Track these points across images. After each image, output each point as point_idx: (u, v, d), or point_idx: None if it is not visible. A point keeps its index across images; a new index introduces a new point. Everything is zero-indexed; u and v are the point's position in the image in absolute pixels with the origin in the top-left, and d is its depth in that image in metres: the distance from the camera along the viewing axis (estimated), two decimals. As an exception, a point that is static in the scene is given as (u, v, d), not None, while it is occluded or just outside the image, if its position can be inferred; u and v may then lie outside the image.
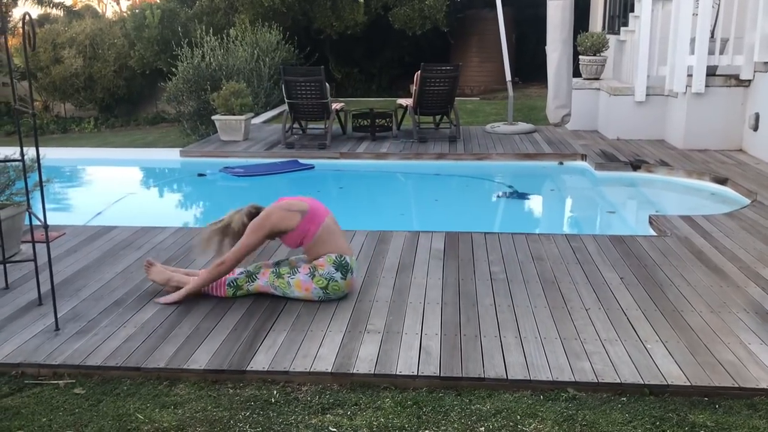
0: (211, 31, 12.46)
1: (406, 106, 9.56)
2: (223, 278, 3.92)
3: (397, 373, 3.11)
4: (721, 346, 3.32)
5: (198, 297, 3.93)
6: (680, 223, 5.38)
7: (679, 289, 4.06)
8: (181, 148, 9.24)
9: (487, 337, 3.44)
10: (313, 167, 8.28)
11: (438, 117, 9.92)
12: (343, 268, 3.86)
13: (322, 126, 9.38)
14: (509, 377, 3.07)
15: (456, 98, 9.44)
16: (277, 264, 4.04)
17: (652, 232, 5.39)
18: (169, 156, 9.35)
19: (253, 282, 3.93)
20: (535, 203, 7.54)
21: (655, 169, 7.49)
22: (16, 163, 4.23)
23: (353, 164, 8.53)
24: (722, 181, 6.84)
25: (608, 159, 7.90)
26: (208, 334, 3.49)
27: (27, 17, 3.47)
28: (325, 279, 3.84)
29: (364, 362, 3.19)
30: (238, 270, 3.96)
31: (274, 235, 3.95)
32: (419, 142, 9.07)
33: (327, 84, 8.99)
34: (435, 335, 3.46)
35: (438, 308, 3.79)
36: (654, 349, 3.30)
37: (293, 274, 3.88)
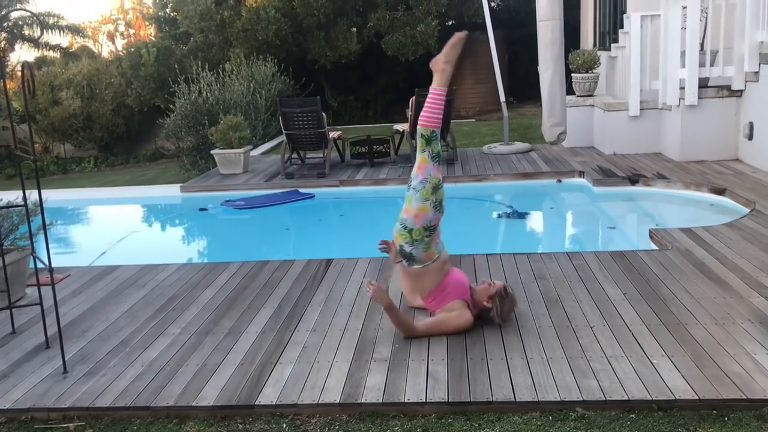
0: (206, 66, 12.63)
1: (403, 131, 9.63)
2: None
3: (406, 400, 3.11)
4: (728, 358, 3.33)
5: (202, 334, 3.97)
6: (680, 235, 5.40)
7: (683, 302, 4.07)
8: (181, 184, 9.30)
9: (494, 359, 3.45)
10: (314, 196, 8.33)
11: (435, 141, 9.98)
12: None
13: (321, 155, 9.45)
14: (517, 399, 3.07)
15: (452, 121, 9.52)
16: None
17: (653, 246, 5.40)
18: (169, 192, 9.41)
19: None
20: (535, 222, 7.57)
21: (653, 182, 7.52)
22: (19, 207, 4.28)
23: (353, 191, 8.58)
24: (720, 192, 6.87)
25: (606, 175, 7.94)
26: (216, 370, 3.50)
27: (26, 64, 3.54)
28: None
29: (372, 391, 3.20)
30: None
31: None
32: (417, 166, 9.10)
33: (323, 113, 9.08)
34: (441, 360, 3.47)
35: (443, 333, 3.79)
36: (660, 363, 3.30)
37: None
